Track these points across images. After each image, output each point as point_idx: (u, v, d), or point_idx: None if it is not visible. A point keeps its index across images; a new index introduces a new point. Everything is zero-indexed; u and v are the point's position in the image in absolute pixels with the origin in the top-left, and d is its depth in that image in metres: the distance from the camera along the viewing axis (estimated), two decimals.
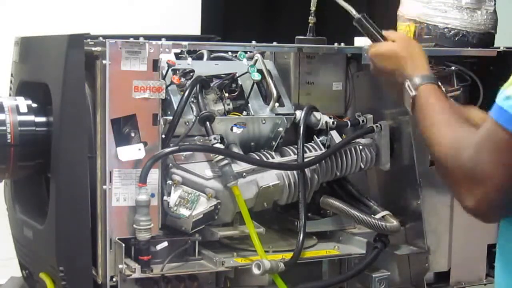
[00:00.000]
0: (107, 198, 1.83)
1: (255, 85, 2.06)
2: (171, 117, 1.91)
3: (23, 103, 1.95)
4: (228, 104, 2.03)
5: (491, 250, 2.27)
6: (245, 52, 2.10)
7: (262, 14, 3.76)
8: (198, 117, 1.94)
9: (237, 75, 2.06)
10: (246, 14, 3.67)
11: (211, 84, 2.02)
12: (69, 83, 1.82)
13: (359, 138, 2.17)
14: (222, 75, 2.07)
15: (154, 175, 1.86)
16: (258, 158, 2.03)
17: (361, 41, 2.19)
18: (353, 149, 2.14)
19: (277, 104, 2.08)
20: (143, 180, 1.82)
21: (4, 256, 2.37)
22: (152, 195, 1.85)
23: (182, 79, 1.98)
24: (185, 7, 3.43)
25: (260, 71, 2.04)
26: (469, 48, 2.27)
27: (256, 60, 2.06)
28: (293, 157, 2.05)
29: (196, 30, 3.37)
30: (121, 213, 1.84)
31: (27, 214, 2.07)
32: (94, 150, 1.85)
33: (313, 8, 2.21)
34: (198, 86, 1.96)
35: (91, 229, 1.84)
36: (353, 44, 2.21)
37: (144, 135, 1.85)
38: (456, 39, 2.28)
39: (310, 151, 2.09)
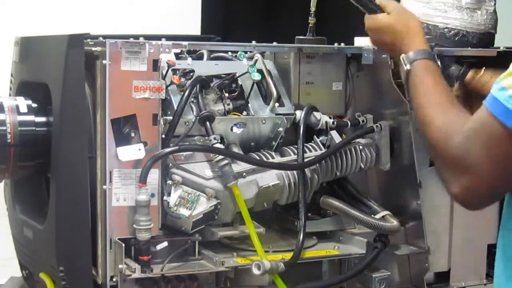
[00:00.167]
0: (107, 198, 1.83)
1: (255, 85, 2.06)
2: (171, 117, 1.91)
3: (23, 103, 1.95)
4: (228, 104, 2.03)
5: (491, 250, 2.27)
6: (245, 52, 2.10)
7: (262, 14, 3.77)
8: (198, 117, 1.94)
9: (237, 75, 2.06)
10: (246, 14, 3.68)
11: (211, 84, 2.02)
12: (69, 83, 1.82)
13: (359, 138, 2.17)
14: (222, 75, 2.07)
15: (154, 175, 1.86)
16: (258, 158, 2.03)
17: (361, 41, 2.19)
18: (353, 149, 2.14)
19: (277, 104, 2.08)
20: (143, 180, 1.82)
21: (4, 256, 2.37)
22: (152, 195, 1.85)
23: (182, 79, 1.98)
24: (185, 7, 3.44)
25: (260, 71, 2.04)
26: (469, 48, 2.27)
27: (256, 60, 2.06)
28: (293, 157, 2.05)
29: (196, 30, 3.37)
30: (121, 213, 1.84)
31: (27, 214, 2.07)
32: (94, 150, 1.85)
33: (313, 9, 2.21)
34: (198, 86, 1.96)
35: (91, 229, 1.84)
36: (353, 44, 2.21)
37: (144, 135, 1.85)
38: (456, 39, 2.28)
39: (310, 151, 2.09)
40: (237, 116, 2.03)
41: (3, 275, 2.35)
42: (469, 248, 2.27)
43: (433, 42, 2.23)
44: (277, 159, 2.05)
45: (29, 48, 2.10)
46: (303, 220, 2.01)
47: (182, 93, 1.95)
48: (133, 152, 1.84)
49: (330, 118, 2.14)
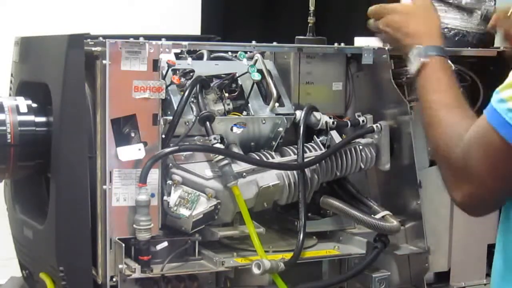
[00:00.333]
0: (107, 198, 1.83)
1: (255, 85, 2.06)
2: (171, 117, 1.91)
3: (23, 103, 1.95)
4: (228, 104, 2.03)
5: (491, 250, 2.26)
6: (245, 52, 2.10)
7: (262, 14, 3.76)
8: (198, 117, 1.94)
9: (237, 75, 2.06)
10: (246, 14, 3.67)
11: (211, 84, 2.02)
12: (69, 83, 1.82)
13: (359, 138, 2.17)
14: (222, 75, 2.07)
15: (154, 175, 1.86)
16: (258, 158, 2.03)
17: (361, 41, 2.19)
18: (353, 149, 2.14)
19: (277, 104, 2.08)
20: (143, 180, 1.82)
21: (4, 256, 2.37)
22: (152, 195, 1.85)
23: (182, 79, 1.98)
24: (185, 7, 3.44)
25: (260, 71, 2.04)
26: (469, 48, 2.27)
27: (256, 60, 2.06)
28: (293, 157, 2.05)
29: (196, 30, 3.37)
30: (121, 213, 1.84)
31: (27, 214, 2.07)
32: (94, 150, 1.85)
33: (312, 8, 2.21)
34: (198, 86, 1.96)
35: (91, 229, 1.84)
36: (353, 44, 2.21)
37: (144, 135, 1.85)
38: (456, 39, 2.28)
39: (310, 151, 2.09)
40: (237, 116, 2.03)
41: (3, 275, 2.35)
42: (469, 248, 2.27)
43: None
44: (277, 159, 2.05)
45: (29, 48, 2.10)
46: (303, 220, 2.01)
47: (182, 93, 1.95)
48: (133, 152, 1.84)
49: (330, 118, 2.14)
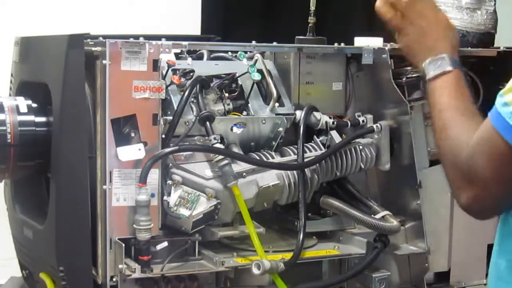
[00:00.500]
0: (107, 198, 1.83)
1: (255, 85, 2.06)
2: (171, 117, 1.91)
3: (23, 103, 1.95)
4: (228, 104, 2.03)
5: (491, 250, 2.27)
6: (245, 52, 2.10)
7: (262, 14, 3.76)
8: (198, 117, 1.94)
9: (237, 75, 2.06)
10: (246, 14, 3.67)
11: (211, 84, 2.02)
12: (69, 83, 1.82)
13: (359, 138, 2.17)
14: (222, 75, 2.07)
15: (154, 175, 1.86)
16: (258, 158, 2.03)
17: (361, 41, 2.19)
18: (353, 149, 2.14)
19: (277, 104, 2.08)
20: (143, 180, 1.82)
21: (4, 256, 2.37)
22: (152, 195, 1.85)
23: (182, 79, 1.98)
24: (185, 7, 3.44)
25: (260, 71, 2.04)
26: (469, 48, 2.27)
27: (256, 60, 2.06)
28: (293, 157, 2.05)
29: (196, 30, 3.37)
30: (121, 213, 1.84)
31: (27, 214, 2.07)
32: (94, 150, 1.85)
33: (312, 8, 2.21)
34: (198, 86, 1.96)
35: (91, 229, 1.84)
36: (353, 44, 2.21)
37: (144, 135, 1.85)
38: None
39: (310, 151, 2.09)
40: (237, 116, 2.03)
41: (3, 275, 2.35)
42: (469, 248, 2.27)
43: None
44: (277, 159, 2.05)
45: (29, 48, 2.10)
46: (303, 220, 2.01)
47: (182, 93, 1.95)
48: (133, 152, 1.84)
49: (330, 118, 2.14)
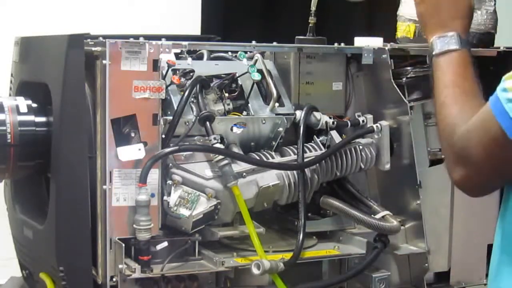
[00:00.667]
0: (107, 198, 1.83)
1: (255, 85, 2.06)
2: (171, 117, 1.91)
3: (23, 103, 1.95)
4: (228, 104, 2.03)
5: (491, 250, 2.27)
6: (245, 52, 2.10)
7: (262, 14, 3.76)
8: (198, 117, 1.94)
9: (237, 75, 2.06)
10: (246, 14, 3.67)
11: (211, 84, 2.02)
12: (69, 83, 1.82)
13: (359, 138, 2.17)
14: (222, 75, 2.07)
15: (154, 175, 1.86)
16: (258, 158, 2.03)
17: (361, 41, 2.19)
18: (353, 149, 2.14)
19: (277, 104, 2.08)
20: (143, 180, 1.82)
21: (4, 256, 2.37)
22: (152, 195, 1.85)
23: (182, 79, 1.98)
24: (185, 7, 3.43)
25: (260, 71, 2.04)
26: None
27: (256, 60, 2.06)
28: (293, 157, 2.05)
29: (196, 30, 3.37)
30: (121, 213, 1.84)
31: (27, 214, 2.07)
32: (94, 150, 1.85)
33: (313, 8, 2.21)
34: (198, 86, 1.96)
35: (91, 229, 1.84)
36: (353, 44, 2.21)
37: (144, 135, 1.85)
38: None
39: (310, 151, 2.09)
40: (237, 116, 2.03)
41: (3, 275, 2.35)
42: (469, 248, 2.27)
43: None
44: (277, 159, 2.05)
45: (29, 48, 2.10)
46: (303, 220, 2.01)
47: (182, 93, 1.95)
48: (133, 152, 1.84)
49: (330, 118, 2.14)
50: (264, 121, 2.05)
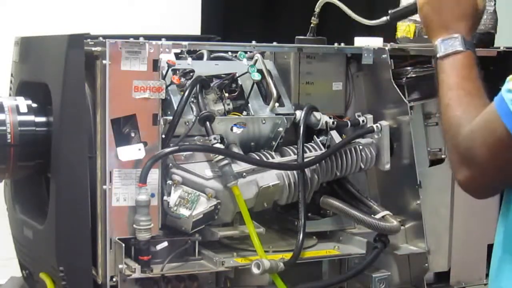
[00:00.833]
0: (107, 198, 1.83)
1: (255, 85, 2.06)
2: (171, 117, 1.91)
3: (23, 103, 1.95)
4: (228, 104, 2.03)
5: (491, 250, 2.27)
6: (245, 52, 2.10)
7: (262, 14, 3.76)
8: (198, 117, 1.94)
9: (237, 75, 2.06)
10: (246, 14, 3.67)
11: (211, 84, 2.02)
12: (69, 83, 1.82)
13: (359, 138, 2.17)
14: (222, 75, 2.07)
15: (154, 175, 1.86)
16: (258, 158, 2.03)
17: (361, 41, 2.19)
18: (353, 149, 2.14)
19: (277, 104, 2.08)
20: (143, 180, 1.82)
21: (4, 256, 2.37)
22: (152, 195, 1.85)
23: (182, 79, 1.98)
24: (185, 7, 3.43)
25: (260, 71, 2.04)
26: None
27: (256, 60, 2.06)
28: (293, 157, 2.05)
29: (196, 30, 3.37)
30: (121, 213, 1.84)
31: (27, 214, 2.07)
32: (94, 150, 1.85)
33: (317, 10, 2.21)
34: (198, 86, 1.96)
35: (91, 229, 1.84)
36: (353, 44, 2.21)
37: (144, 135, 1.85)
38: None
39: (310, 151, 2.09)
40: (237, 116, 2.03)
41: (3, 275, 2.35)
42: (469, 248, 2.27)
43: None
44: (277, 159, 2.05)
45: (29, 48, 2.10)
46: (303, 220, 2.01)
47: (182, 93, 1.95)
48: (133, 152, 1.84)
49: (330, 118, 2.14)
50: (264, 121, 2.05)
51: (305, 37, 2.21)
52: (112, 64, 1.81)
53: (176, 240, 1.91)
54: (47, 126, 1.93)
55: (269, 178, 2.01)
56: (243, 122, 2.02)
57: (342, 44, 2.15)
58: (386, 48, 2.14)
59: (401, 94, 2.12)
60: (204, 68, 2.07)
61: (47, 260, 1.91)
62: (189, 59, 2.07)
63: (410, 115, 2.13)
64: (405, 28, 2.31)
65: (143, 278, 1.85)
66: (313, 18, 2.22)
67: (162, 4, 3.36)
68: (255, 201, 2.01)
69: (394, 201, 2.20)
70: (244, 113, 2.05)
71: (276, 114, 2.07)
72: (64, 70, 1.82)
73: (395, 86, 2.12)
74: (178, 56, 2.05)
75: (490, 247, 2.27)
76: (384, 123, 2.17)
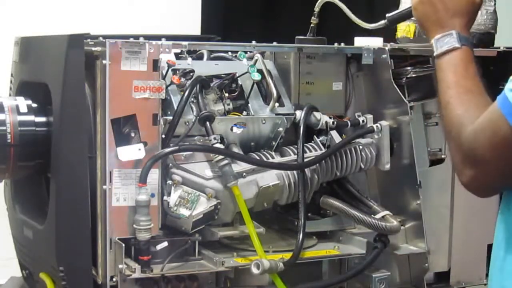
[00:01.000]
0: (107, 198, 1.83)
1: (255, 85, 2.06)
2: (171, 117, 1.91)
3: (23, 103, 1.95)
4: (228, 104, 2.03)
5: (491, 250, 2.27)
6: (245, 52, 2.10)
7: (262, 14, 3.76)
8: (198, 117, 1.94)
9: (237, 75, 2.06)
10: (246, 14, 3.67)
11: (211, 84, 2.02)
12: (69, 83, 1.82)
13: (359, 138, 2.17)
14: (222, 75, 2.07)
15: (154, 175, 1.86)
16: (258, 158, 2.03)
17: (361, 41, 2.19)
18: (353, 149, 2.14)
19: (277, 104, 2.08)
20: (143, 180, 1.82)
21: (4, 256, 2.37)
22: (152, 195, 1.85)
23: (182, 79, 1.98)
24: (185, 7, 3.43)
25: (260, 71, 2.03)
26: None
27: (256, 60, 2.06)
28: (293, 157, 2.05)
29: (196, 30, 3.37)
30: (121, 213, 1.84)
31: (27, 214, 2.07)
32: (94, 150, 1.85)
33: (317, 10, 2.21)
34: (198, 86, 1.96)
35: (91, 229, 1.84)
36: (353, 44, 2.21)
37: (144, 135, 1.85)
38: None
39: (310, 151, 2.09)
40: (237, 116, 2.03)
41: (3, 275, 2.35)
42: (469, 248, 2.27)
43: None
44: (277, 159, 2.05)
45: (29, 48, 2.10)
46: (303, 220, 2.01)
47: (182, 93, 1.95)
48: (133, 152, 1.84)
49: (330, 118, 2.14)
50: (264, 121, 2.05)
51: (305, 37, 2.21)
52: (112, 64, 1.81)
53: (176, 240, 1.91)
54: (47, 126, 1.93)
55: (269, 178, 2.01)
56: (243, 122, 2.02)
57: (342, 44, 2.15)
58: (386, 48, 2.14)
59: (401, 94, 2.12)
60: (204, 68, 2.07)
61: (47, 260, 1.91)
62: (189, 59, 2.07)
63: (410, 115, 2.13)
64: (405, 28, 2.32)
65: (143, 278, 1.85)
66: (313, 18, 2.22)
67: (162, 4, 3.37)
68: (255, 201, 2.01)
69: (394, 201, 2.20)
70: (244, 113, 2.05)
71: (276, 114, 2.07)
72: (64, 70, 1.82)
73: (395, 86, 2.12)
74: (178, 56, 2.05)
75: (490, 247, 2.27)
76: (384, 123, 2.17)
